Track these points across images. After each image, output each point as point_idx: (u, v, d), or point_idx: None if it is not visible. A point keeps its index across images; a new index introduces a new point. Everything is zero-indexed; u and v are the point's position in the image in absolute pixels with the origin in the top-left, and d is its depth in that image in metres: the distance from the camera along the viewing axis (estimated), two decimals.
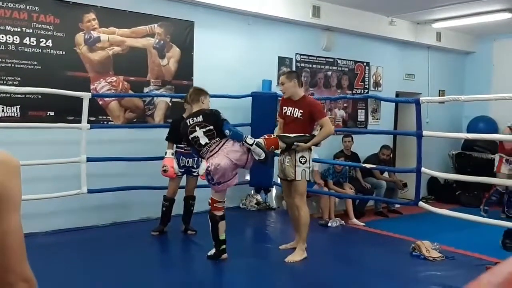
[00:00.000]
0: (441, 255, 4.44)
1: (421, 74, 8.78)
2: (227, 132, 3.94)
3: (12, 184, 1.05)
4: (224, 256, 4.12)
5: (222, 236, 4.10)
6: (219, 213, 4.11)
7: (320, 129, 4.32)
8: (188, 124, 4.05)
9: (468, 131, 8.22)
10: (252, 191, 6.54)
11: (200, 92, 4.27)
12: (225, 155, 3.89)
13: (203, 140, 3.98)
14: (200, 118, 4.04)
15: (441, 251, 4.50)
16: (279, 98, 6.57)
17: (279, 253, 4.55)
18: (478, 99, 5.33)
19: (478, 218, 4.76)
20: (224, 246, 4.10)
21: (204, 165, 3.97)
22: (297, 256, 4.21)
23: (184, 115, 4.98)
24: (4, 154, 1.07)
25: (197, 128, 4.01)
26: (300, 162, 4.18)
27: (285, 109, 4.37)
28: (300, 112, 4.23)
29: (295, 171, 4.19)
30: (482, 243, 5.22)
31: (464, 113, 9.14)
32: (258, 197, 6.52)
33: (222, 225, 4.10)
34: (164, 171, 4.77)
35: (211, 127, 4.00)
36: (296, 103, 4.28)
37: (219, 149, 3.94)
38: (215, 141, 3.98)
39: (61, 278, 3.65)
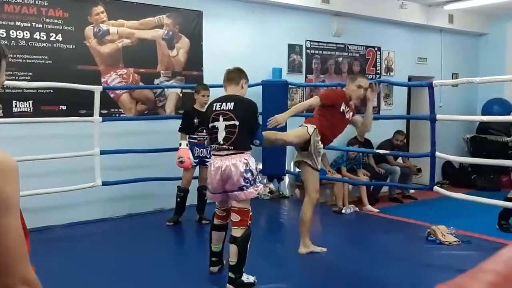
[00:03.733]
0: (457, 239, 4.41)
1: (434, 57, 8.65)
2: (256, 142, 3.36)
3: (8, 186, 1.03)
4: (212, 269, 3.60)
5: (213, 247, 3.57)
6: (214, 220, 3.58)
7: None
8: (213, 109, 3.33)
9: (483, 114, 8.10)
10: (265, 180, 6.54)
11: (242, 73, 3.45)
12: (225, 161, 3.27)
13: (220, 136, 3.25)
14: (230, 106, 3.26)
15: (457, 235, 4.47)
16: (290, 86, 6.59)
17: (293, 240, 4.55)
18: (492, 80, 5.23)
19: (494, 202, 4.70)
20: (214, 259, 3.59)
21: None
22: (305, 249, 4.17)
23: (195, 106, 4.99)
24: (0, 155, 1.05)
25: (220, 118, 3.27)
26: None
27: None
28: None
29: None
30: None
31: (478, 95, 9.00)
32: (271, 185, 6.53)
33: (214, 235, 3.55)
34: (181, 162, 4.77)
35: (237, 122, 3.22)
36: None
37: (225, 155, 3.26)
38: (228, 147, 3.23)
39: (79, 270, 3.70)
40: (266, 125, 4.10)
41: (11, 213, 1.03)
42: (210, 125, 3.33)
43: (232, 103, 3.27)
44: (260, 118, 6.03)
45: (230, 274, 3.27)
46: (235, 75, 3.40)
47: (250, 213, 3.32)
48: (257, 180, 3.28)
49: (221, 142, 3.24)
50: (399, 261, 4.05)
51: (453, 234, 4.48)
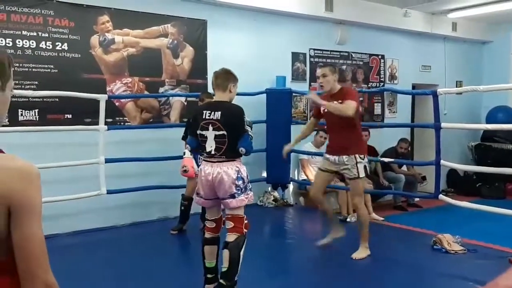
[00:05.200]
0: (463, 248, 4.38)
1: (438, 65, 8.66)
2: (242, 150, 3.16)
3: (33, 193, 1.08)
4: (207, 286, 3.36)
5: (207, 263, 3.36)
6: (205, 234, 3.40)
7: None
8: (203, 117, 3.23)
9: (487, 122, 8.09)
10: (269, 188, 6.53)
11: (230, 76, 3.32)
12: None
13: (209, 146, 3.19)
14: (217, 115, 3.17)
15: (462, 244, 4.44)
16: (294, 94, 6.60)
17: (298, 248, 4.54)
18: (497, 88, 5.22)
19: (500, 210, 4.68)
20: (209, 275, 3.36)
21: None
22: (362, 253, 4.20)
23: None
24: (25, 162, 1.09)
25: (210, 127, 3.19)
26: (361, 158, 4.04)
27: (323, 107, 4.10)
28: (339, 102, 3.96)
29: (357, 169, 4.01)
30: (504, 235, 5.14)
31: (483, 103, 8.99)
32: (276, 193, 6.51)
33: (206, 249, 3.35)
34: (185, 171, 4.77)
35: (225, 132, 3.14)
36: (335, 95, 4.05)
37: (216, 162, 3.20)
38: (220, 155, 3.17)
39: (83, 278, 3.70)
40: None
41: (35, 219, 1.07)
42: (199, 132, 3.26)
43: (220, 112, 3.18)
44: (264, 125, 6.11)
45: (221, 281, 3.17)
46: (222, 81, 3.29)
47: (246, 221, 3.24)
48: (247, 187, 3.23)
49: (212, 152, 3.19)
50: (405, 270, 4.02)
51: (459, 242, 4.45)
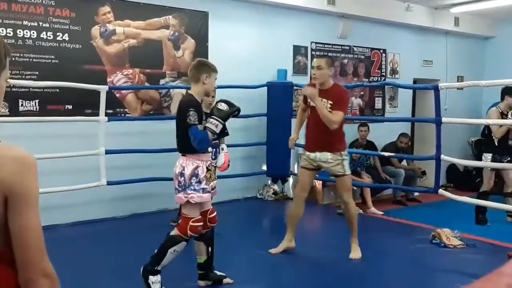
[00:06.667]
0: (462, 243, 4.40)
1: (439, 60, 8.63)
2: (192, 141, 3.10)
3: (30, 182, 1.06)
4: (199, 282, 3.48)
5: (197, 258, 3.47)
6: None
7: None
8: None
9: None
10: (269, 181, 6.54)
11: (203, 67, 3.20)
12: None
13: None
14: (176, 110, 3.26)
15: (461, 239, 4.46)
16: (295, 88, 6.58)
17: (297, 242, 4.55)
18: (498, 84, 5.21)
19: (499, 205, 4.70)
20: (199, 272, 3.48)
21: (222, 157, 3.81)
22: (358, 252, 4.08)
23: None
24: (21, 151, 1.08)
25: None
26: (345, 154, 3.98)
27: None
28: (330, 104, 3.82)
29: (343, 166, 3.93)
30: (503, 230, 5.17)
31: (483, 99, 8.96)
32: (275, 187, 6.53)
33: (194, 244, 3.46)
34: None
35: (176, 126, 3.20)
36: (326, 92, 3.87)
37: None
38: (179, 150, 3.24)
39: (82, 269, 3.71)
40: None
41: (32, 208, 1.07)
42: None
43: (177, 106, 3.25)
44: (265, 118, 6.09)
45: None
46: (194, 72, 3.20)
47: (193, 223, 3.14)
48: (190, 187, 3.12)
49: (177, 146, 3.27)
50: (403, 264, 4.04)
51: (458, 237, 4.47)
